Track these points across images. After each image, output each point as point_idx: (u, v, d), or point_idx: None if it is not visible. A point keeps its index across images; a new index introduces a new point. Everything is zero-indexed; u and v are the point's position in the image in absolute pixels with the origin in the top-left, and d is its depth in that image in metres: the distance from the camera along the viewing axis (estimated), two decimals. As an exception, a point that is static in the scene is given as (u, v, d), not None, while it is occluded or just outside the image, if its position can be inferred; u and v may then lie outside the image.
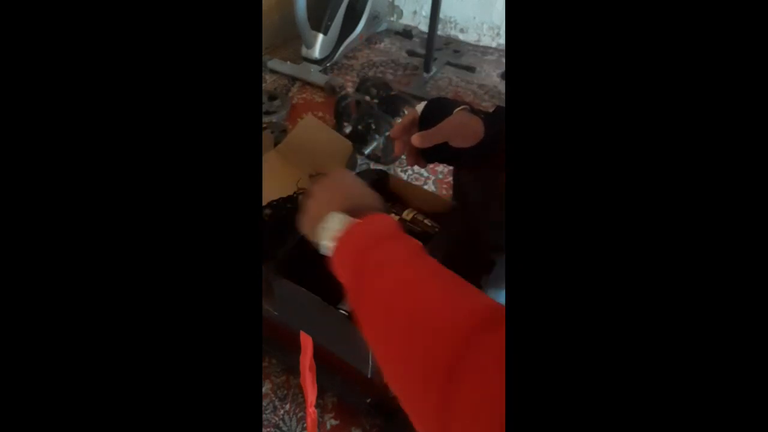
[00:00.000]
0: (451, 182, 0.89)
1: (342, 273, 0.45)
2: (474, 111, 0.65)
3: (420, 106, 0.69)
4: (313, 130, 1.32)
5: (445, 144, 0.62)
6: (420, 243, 0.44)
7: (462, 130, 0.62)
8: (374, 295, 0.41)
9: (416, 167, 1.53)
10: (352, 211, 0.47)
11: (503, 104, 0.62)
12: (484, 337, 0.33)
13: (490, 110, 0.66)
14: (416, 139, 0.61)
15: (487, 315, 0.35)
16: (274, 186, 0.88)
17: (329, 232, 0.46)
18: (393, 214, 0.84)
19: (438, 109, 0.66)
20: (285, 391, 0.99)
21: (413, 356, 0.36)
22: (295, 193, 0.83)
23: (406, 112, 1.55)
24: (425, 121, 0.66)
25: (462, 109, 0.65)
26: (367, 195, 0.52)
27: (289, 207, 0.80)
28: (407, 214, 0.83)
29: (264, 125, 1.58)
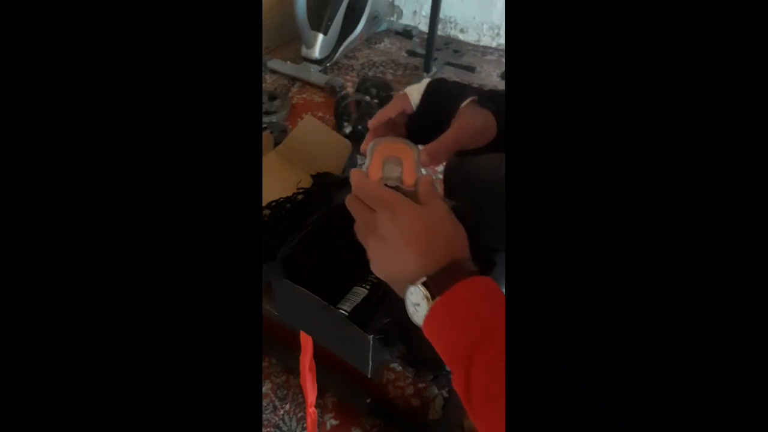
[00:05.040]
0: (443, 178, 0.89)
1: (444, 356, 0.40)
2: (482, 100, 0.54)
3: (413, 92, 0.55)
4: (313, 131, 1.32)
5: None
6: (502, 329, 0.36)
7: (474, 133, 0.52)
8: (489, 405, 0.35)
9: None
10: (437, 275, 0.40)
11: (503, 104, 0.54)
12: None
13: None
14: (425, 160, 0.49)
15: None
16: (274, 186, 0.88)
17: (415, 312, 0.41)
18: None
19: (441, 100, 0.54)
20: (285, 391, 0.99)
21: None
22: (294, 193, 0.83)
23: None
24: (424, 115, 0.55)
25: (470, 103, 0.53)
26: (452, 239, 0.43)
27: (289, 207, 0.80)
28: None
29: (264, 125, 1.58)
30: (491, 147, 0.53)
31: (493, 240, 0.80)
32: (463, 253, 0.43)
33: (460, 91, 0.55)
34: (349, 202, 0.48)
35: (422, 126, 0.55)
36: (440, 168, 1.53)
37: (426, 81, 0.56)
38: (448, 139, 0.51)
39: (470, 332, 0.37)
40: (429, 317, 0.40)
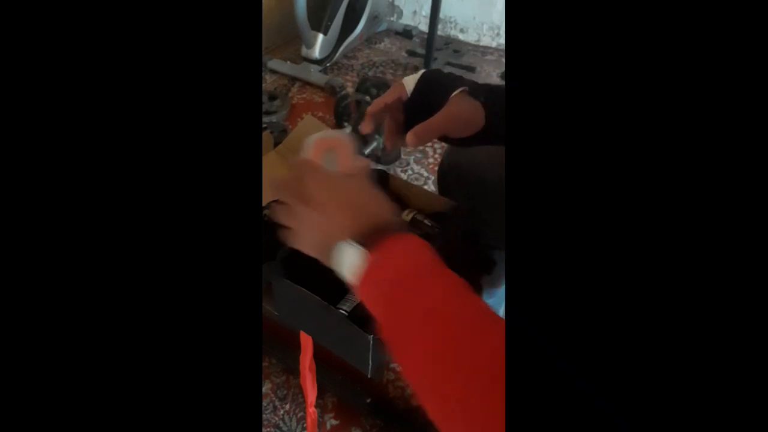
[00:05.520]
0: (437, 178, 0.89)
1: (372, 309, 0.41)
2: (473, 91, 0.57)
3: (409, 81, 0.59)
4: (313, 131, 1.33)
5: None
6: (459, 277, 0.39)
7: (461, 121, 0.55)
8: (416, 345, 0.37)
9: (415, 168, 1.53)
10: (366, 234, 0.41)
11: (492, 96, 0.56)
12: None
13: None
14: (411, 140, 0.54)
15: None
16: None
17: (347, 267, 0.41)
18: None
19: (433, 89, 0.57)
20: (285, 391, 0.99)
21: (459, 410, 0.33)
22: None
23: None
24: (417, 102, 0.58)
25: (461, 93, 0.56)
26: (379, 205, 0.45)
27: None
28: (407, 215, 0.83)
29: (264, 125, 1.58)
30: (478, 137, 0.56)
31: (491, 238, 0.80)
32: (390, 215, 0.45)
33: (452, 81, 0.58)
34: (276, 185, 0.48)
35: (415, 112, 0.57)
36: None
37: (421, 71, 0.60)
38: (433, 122, 0.54)
39: (399, 282, 0.39)
40: (365, 271, 0.40)
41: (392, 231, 0.41)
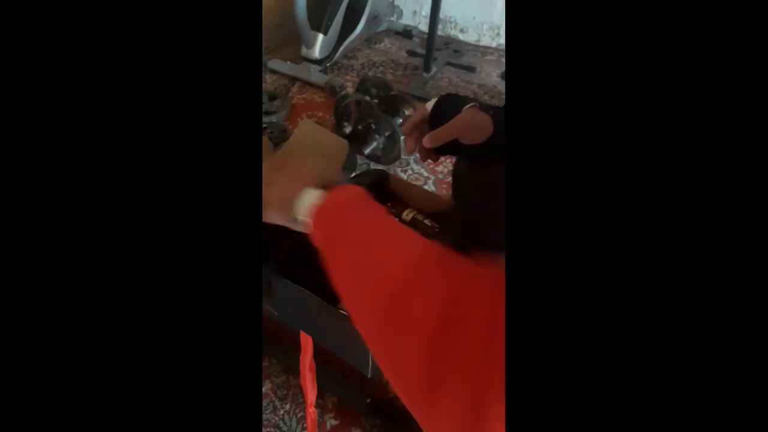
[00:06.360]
0: (451, 182, 0.89)
1: (319, 242, 0.48)
2: (483, 107, 0.66)
3: (430, 104, 0.71)
4: (311, 134, 1.33)
5: (456, 140, 0.64)
6: (383, 206, 0.49)
7: (471, 127, 0.64)
8: (347, 258, 0.45)
9: (415, 168, 1.53)
10: (323, 184, 0.51)
11: (503, 104, 0.64)
12: (469, 309, 0.34)
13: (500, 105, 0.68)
14: (427, 140, 0.64)
15: (462, 285, 0.37)
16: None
17: (305, 207, 0.50)
18: (392, 214, 0.83)
19: (448, 107, 0.68)
20: (285, 391, 0.99)
21: (393, 326, 0.38)
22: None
23: (406, 112, 1.55)
24: (436, 119, 0.68)
25: (471, 107, 0.66)
26: (329, 168, 0.56)
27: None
28: (407, 214, 0.83)
29: (264, 125, 1.58)
30: (487, 146, 0.64)
31: (500, 238, 0.81)
32: (337, 175, 0.56)
33: (465, 100, 0.69)
34: None
35: (434, 126, 0.68)
36: (440, 168, 1.54)
37: (437, 97, 0.72)
38: (447, 126, 0.64)
39: (342, 209, 0.48)
40: (318, 204, 0.49)
41: (342, 182, 0.53)
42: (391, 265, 0.41)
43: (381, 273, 0.41)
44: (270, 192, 0.54)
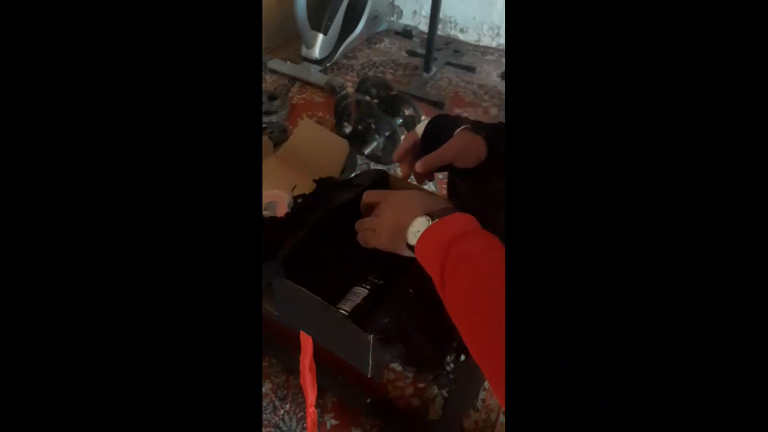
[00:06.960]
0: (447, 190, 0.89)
1: (429, 267, 0.50)
2: (475, 128, 0.65)
3: (420, 127, 0.70)
4: (311, 134, 1.33)
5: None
6: (492, 236, 0.49)
7: (463, 153, 0.63)
8: (463, 286, 0.45)
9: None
10: (432, 213, 0.52)
11: (503, 104, 0.63)
12: None
13: (493, 118, 0.67)
14: (419, 165, 0.64)
15: None
16: (274, 189, 0.89)
17: (415, 233, 0.52)
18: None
19: (439, 129, 0.67)
20: (285, 391, 0.99)
21: (496, 338, 0.39)
22: (294, 197, 0.84)
23: (406, 112, 1.55)
24: (427, 142, 0.67)
25: (463, 130, 0.65)
26: (440, 200, 0.57)
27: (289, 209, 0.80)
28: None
29: (264, 125, 1.58)
30: (482, 170, 0.63)
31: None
32: (444, 203, 0.56)
33: (455, 122, 0.67)
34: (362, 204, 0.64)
35: (426, 151, 0.67)
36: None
37: (426, 120, 0.70)
38: (439, 152, 0.63)
39: (450, 238, 0.48)
40: (426, 231, 0.51)
41: (449, 210, 0.53)
42: None
43: (502, 301, 0.40)
44: (380, 221, 0.57)
